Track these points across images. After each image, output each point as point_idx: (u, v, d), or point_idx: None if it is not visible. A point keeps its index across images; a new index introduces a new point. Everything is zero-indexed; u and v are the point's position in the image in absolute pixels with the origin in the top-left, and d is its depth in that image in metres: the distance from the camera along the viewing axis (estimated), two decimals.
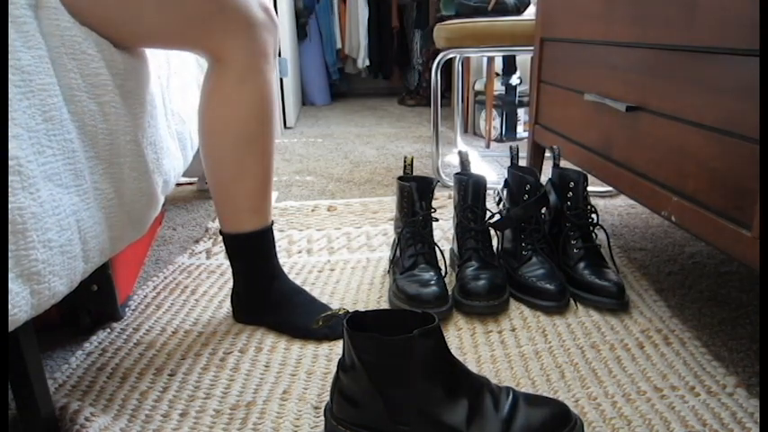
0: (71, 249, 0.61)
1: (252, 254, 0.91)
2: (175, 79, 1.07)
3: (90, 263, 0.66)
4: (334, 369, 0.80)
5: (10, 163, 0.52)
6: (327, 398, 0.74)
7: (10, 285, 0.52)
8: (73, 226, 0.61)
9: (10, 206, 0.52)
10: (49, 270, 0.56)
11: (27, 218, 0.53)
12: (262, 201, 0.89)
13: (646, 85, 0.88)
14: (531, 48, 1.41)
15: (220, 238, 1.33)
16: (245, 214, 0.88)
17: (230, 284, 1.08)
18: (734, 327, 0.90)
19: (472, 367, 0.80)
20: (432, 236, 1.03)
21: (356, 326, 0.63)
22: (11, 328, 0.52)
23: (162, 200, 0.88)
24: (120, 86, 0.73)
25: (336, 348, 0.85)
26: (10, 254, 0.52)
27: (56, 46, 0.63)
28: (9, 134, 0.53)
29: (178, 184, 1.84)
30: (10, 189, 0.52)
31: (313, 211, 1.53)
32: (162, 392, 0.76)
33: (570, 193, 1.04)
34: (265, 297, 0.92)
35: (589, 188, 1.06)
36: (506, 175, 1.09)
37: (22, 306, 0.53)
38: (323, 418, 0.70)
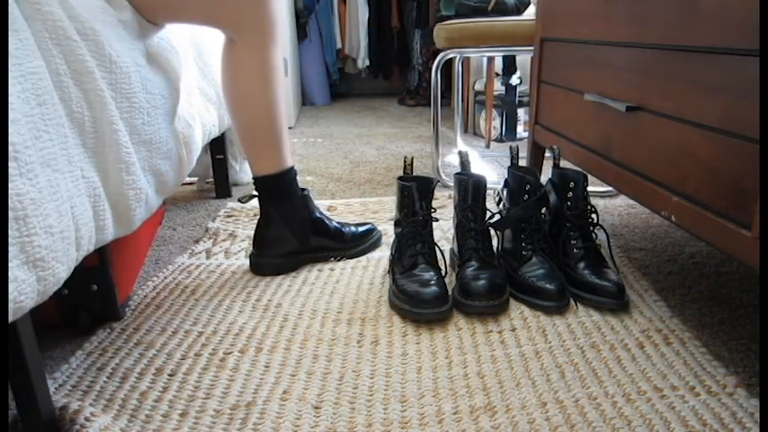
0: (69, 235, 0.60)
1: (270, 195, 1.12)
2: (181, 82, 1.06)
3: (81, 250, 0.65)
4: (334, 369, 0.80)
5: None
6: (327, 398, 0.74)
7: (16, 273, 0.51)
8: (69, 212, 0.61)
9: (9, 192, 0.51)
10: (52, 256, 0.56)
11: (27, 204, 0.53)
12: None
13: (646, 85, 0.88)
14: (531, 48, 1.41)
15: (221, 237, 1.33)
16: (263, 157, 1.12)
17: (230, 284, 1.08)
18: (734, 327, 0.90)
19: (472, 367, 0.80)
20: (432, 236, 1.03)
21: None
22: (18, 315, 0.51)
23: (156, 200, 0.87)
24: (105, 78, 0.72)
25: (336, 348, 0.85)
26: (14, 241, 0.51)
27: (38, 30, 0.62)
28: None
29: None
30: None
31: None
32: (162, 392, 0.76)
33: (570, 193, 1.04)
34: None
35: (589, 188, 1.06)
36: (506, 175, 1.09)
37: (28, 293, 0.52)
38: (323, 417, 0.70)
